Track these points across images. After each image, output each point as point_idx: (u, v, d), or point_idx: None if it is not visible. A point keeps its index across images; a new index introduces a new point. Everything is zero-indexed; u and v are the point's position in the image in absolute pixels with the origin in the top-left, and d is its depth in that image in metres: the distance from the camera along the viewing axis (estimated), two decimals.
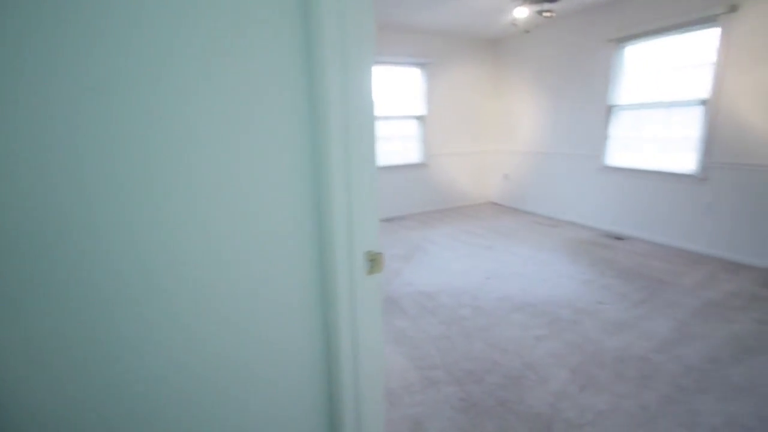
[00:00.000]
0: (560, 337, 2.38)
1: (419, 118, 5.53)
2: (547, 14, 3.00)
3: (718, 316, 2.57)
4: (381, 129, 5.30)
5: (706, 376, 1.99)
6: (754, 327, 2.42)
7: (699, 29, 3.58)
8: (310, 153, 0.94)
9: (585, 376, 2.02)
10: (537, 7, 2.96)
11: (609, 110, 4.39)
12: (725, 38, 3.37)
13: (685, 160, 3.78)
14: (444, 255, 3.91)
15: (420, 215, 5.62)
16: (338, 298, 0.97)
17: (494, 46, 5.84)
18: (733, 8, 3.29)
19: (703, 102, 3.59)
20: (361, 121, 0.93)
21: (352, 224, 0.95)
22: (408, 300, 2.94)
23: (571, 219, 4.97)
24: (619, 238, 4.24)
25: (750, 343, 2.25)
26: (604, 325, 2.50)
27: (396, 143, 5.48)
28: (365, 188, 0.96)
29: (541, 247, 4.05)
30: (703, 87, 3.59)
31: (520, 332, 2.45)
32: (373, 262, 0.99)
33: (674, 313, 2.62)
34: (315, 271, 1.00)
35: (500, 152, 6.07)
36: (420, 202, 5.76)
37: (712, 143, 3.54)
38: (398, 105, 5.35)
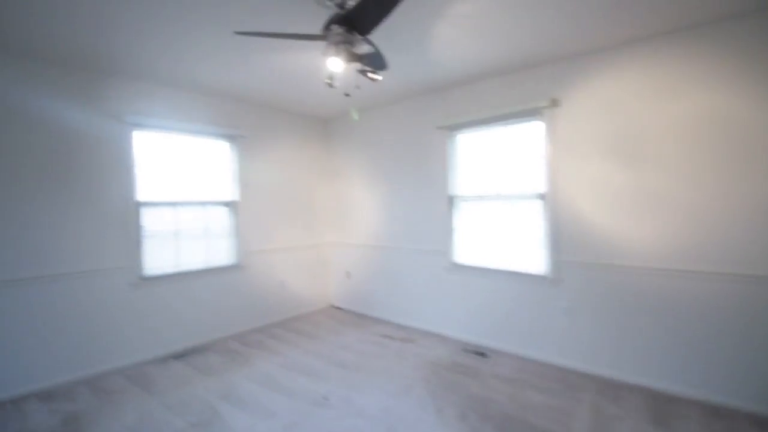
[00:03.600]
0: None
1: (229, 204, 4.14)
2: (372, 76, 2.18)
3: None
4: (170, 218, 3.68)
5: None
6: None
7: (524, 122, 3.40)
8: None
9: None
10: (357, 66, 2.11)
11: (451, 201, 3.87)
12: (550, 132, 3.19)
13: (536, 258, 3.35)
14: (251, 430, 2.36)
15: (232, 340, 3.94)
16: None
17: (323, 125, 5.11)
18: (555, 103, 3.15)
19: (542, 196, 3.28)
20: None
21: None
22: None
23: (426, 327, 4.08)
24: (482, 353, 3.45)
25: None
26: None
27: (197, 240, 3.88)
28: None
29: (395, 385, 2.91)
30: (539, 180, 3.31)
31: None
32: None
33: None
34: None
35: (339, 245, 5.07)
36: (233, 320, 4.11)
37: (558, 241, 3.17)
38: (199, 187, 3.88)
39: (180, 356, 3.55)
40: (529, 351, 3.34)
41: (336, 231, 5.10)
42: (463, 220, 3.85)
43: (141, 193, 3.45)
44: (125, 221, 3.34)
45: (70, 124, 3.07)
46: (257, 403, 2.71)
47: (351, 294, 4.92)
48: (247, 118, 4.23)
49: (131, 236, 3.38)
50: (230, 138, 4.10)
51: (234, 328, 4.10)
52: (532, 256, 3.36)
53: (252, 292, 4.28)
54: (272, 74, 3.30)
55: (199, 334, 3.82)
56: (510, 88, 3.42)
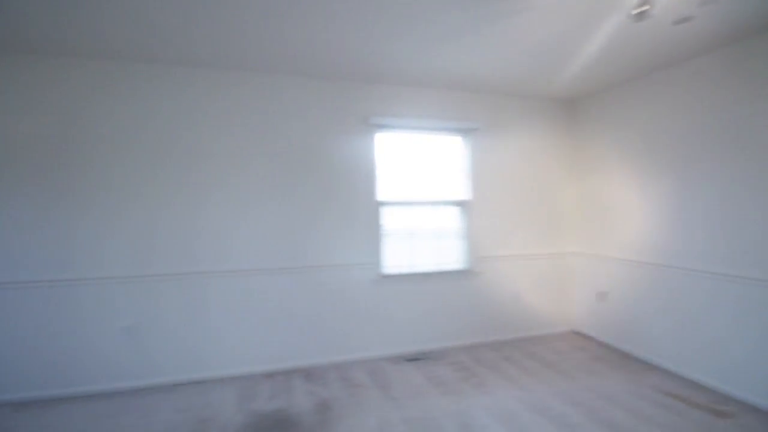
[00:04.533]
0: None
1: (461, 204, 3.82)
2: None
3: None
4: (405, 218, 3.64)
5: None
6: None
7: None
8: None
9: None
10: None
11: None
12: None
13: None
14: None
15: (461, 352, 3.61)
16: None
17: (568, 108, 4.17)
18: None
19: None
20: None
21: None
22: None
23: (748, 397, 2.64)
24: None
25: None
26: None
27: (428, 241, 3.73)
28: None
29: None
30: None
31: None
32: None
33: None
34: None
35: (588, 257, 4.03)
36: (463, 330, 3.77)
37: None
38: (431, 186, 3.73)
39: (412, 359, 3.45)
40: None
41: (584, 239, 4.08)
42: None
43: (380, 193, 3.51)
44: (369, 220, 3.46)
45: (326, 129, 3.35)
46: None
47: (604, 321, 3.82)
48: (478, 109, 3.81)
49: (373, 235, 3.47)
50: (463, 132, 3.77)
51: (463, 338, 3.76)
52: None
53: (483, 303, 3.84)
54: (513, 47, 2.71)
55: (429, 338, 3.65)
56: None
